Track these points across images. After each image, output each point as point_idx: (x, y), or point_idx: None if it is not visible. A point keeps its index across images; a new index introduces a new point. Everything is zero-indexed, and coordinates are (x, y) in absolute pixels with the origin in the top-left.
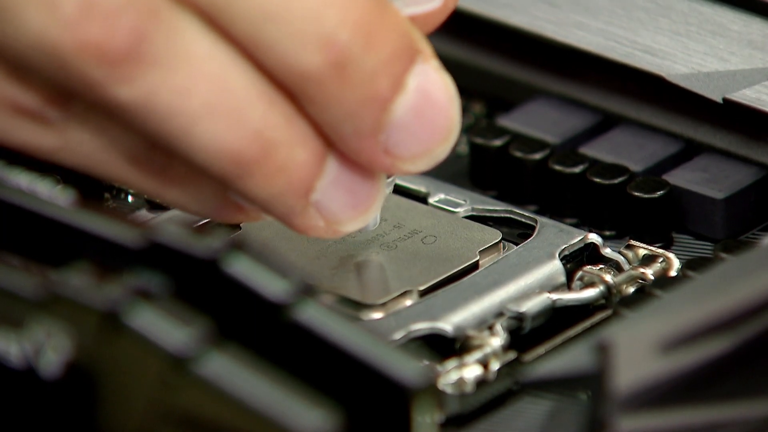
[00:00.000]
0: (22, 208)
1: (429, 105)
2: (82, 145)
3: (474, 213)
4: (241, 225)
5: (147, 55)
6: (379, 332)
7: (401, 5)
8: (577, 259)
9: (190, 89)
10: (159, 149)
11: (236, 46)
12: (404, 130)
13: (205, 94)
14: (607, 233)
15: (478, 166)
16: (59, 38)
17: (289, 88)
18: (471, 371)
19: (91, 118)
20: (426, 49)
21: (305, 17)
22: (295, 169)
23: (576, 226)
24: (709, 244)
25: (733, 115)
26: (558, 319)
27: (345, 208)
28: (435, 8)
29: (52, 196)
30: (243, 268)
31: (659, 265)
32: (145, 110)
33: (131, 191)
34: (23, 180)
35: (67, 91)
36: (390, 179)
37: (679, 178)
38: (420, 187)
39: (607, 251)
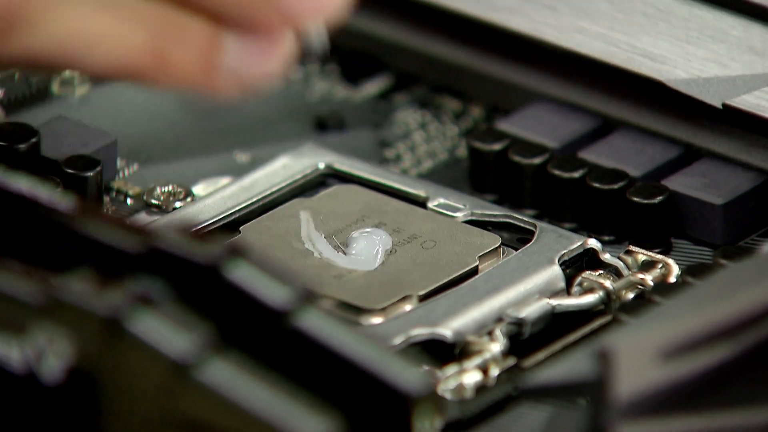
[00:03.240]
0: (23, 214)
1: None
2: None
3: (473, 218)
4: (240, 230)
5: None
6: (378, 337)
7: None
8: (576, 265)
9: None
10: None
11: None
12: None
13: None
14: (607, 238)
15: (478, 170)
16: None
17: None
18: (470, 377)
19: None
20: None
21: None
22: None
23: (575, 231)
24: (709, 249)
25: (732, 121)
26: (557, 325)
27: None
28: None
29: (52, 201)
30: (244, 275)
31: (659, 270)
32: None
33: (129, 193)
34: (23, 185)
35: None
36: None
37: (679, 183)
38: (419, 191)
39: (606, 257)
